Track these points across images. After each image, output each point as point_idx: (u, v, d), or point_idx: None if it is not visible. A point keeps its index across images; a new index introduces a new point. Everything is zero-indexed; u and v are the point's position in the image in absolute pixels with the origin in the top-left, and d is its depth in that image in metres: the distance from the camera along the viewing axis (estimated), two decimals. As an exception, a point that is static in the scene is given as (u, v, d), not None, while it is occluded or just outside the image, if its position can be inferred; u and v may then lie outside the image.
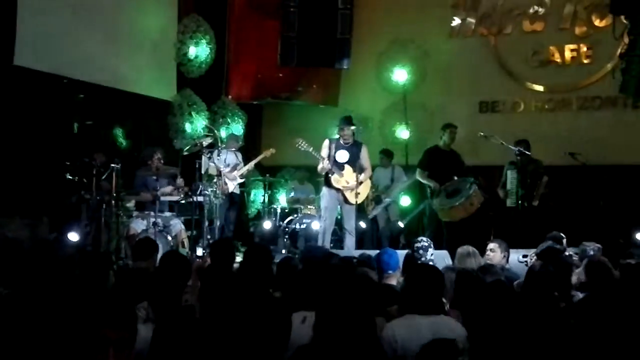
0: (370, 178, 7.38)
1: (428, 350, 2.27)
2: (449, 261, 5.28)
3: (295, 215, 8.46)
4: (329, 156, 6.88)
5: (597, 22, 8.78)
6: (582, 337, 2.42)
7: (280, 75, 9.55)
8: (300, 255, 5.97)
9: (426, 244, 4.91)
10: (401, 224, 8.39)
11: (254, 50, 9.61)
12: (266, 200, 8.94)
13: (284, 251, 8.04)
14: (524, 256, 5.24)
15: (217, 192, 7.25)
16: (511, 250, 5.25)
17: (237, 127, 9.31)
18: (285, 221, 8.43)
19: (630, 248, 5.95)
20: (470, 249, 4.77)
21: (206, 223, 7.14)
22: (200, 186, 7.22)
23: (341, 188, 6.90)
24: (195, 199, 7.08)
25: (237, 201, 8.42)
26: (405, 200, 8.55)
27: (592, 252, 4.94)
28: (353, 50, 8.80)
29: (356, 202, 6.94)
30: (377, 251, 4.99)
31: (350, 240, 6.99)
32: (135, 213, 7.07)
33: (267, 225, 8.45)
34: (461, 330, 2.92)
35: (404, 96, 9.24)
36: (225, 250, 4.40)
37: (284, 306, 2.34)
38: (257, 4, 9.78)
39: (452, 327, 2.94)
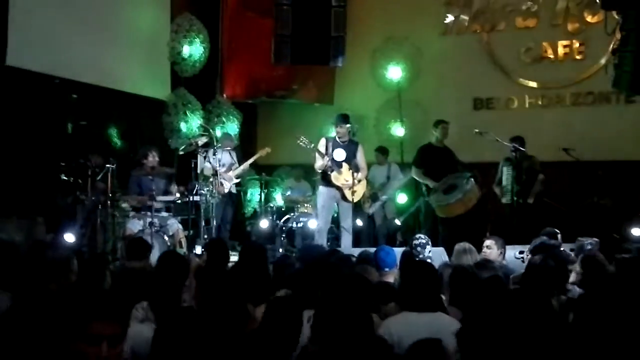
0: (366, 177, 7.39)
1: (414, 352, 2.29)
2: (445, 258, 5.31)
3: (292, 214, 8.46)
4: (326, 154, 6.90)
5: (589, 18, 8.83)
6: (579, 332, 2.44)
7: (275, 73, 9.55)
8: (298, 253, 5.99)
9: (424, 241, 4.94)
10: (398, 222, 8.41)
11: (248, 48, 9.60)
12: (263, 199, 8.94)
13: (281, 250, 8.04)
14: (521, 252, 5.27)
15: (214, 191, 7.24)
16: (507, 247, 5.28)
17: (232, 126, 9.30)
18: (282, 220, 8.43)
19: (624, 243, 5.99)
20: (467, 245, 4.80)
21: (203, 223, 7.13)
22: (197, 186, 7.21)
23: (341, 185, 6.91)
24: (191, 198, 7.07)
25: (233, 200, 8.42)
26: (402, 198, 8.58)
27: (589, 247, 4.97)
28: (347, 48, 8.80)
29: (353, 200, 6.97)
30: (374, 249, 5.02)
31: (347, 239, 7.00)
32: (131, 213, 7.05)
33: (264, 224, 8.44)
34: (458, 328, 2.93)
35: (398, 93, 9.26)
36: (219, 249, 4.41)
37: (294, 305, 2.33)
38: (250, 3, 9.76)
39: (448, 325, 2.95)
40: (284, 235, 8.29)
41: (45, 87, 7.38)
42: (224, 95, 9.59)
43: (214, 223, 7.29)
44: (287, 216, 8.47)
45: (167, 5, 9.13)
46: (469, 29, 9.54)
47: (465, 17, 9.54)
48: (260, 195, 8.97)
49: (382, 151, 8.84)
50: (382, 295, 3.58)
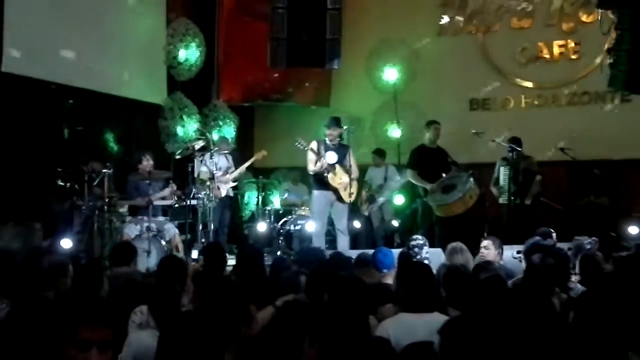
0: (363, 179, 7.41)
1: (406, 355, 2.29)
2: (443, 259, 5.30)
3: (290, 217, 8.46)
4: (319, 156, 6.91)
5: (584, 18, 8.85)
6: (579, 331, 2.43)
7: (271, 76, 9.55)
8: (296, 256, 5.98)
9: (421, 242, 4.94)
10: (395, 223, 8.41)
11: (244, 52, 9.60)
12: (260, 202, 8.94)
13: (279, 253, 8.03)
14: (518, 252, 5.26)
15: (211, 195, 7.23)
16: (505, 247, 5.28)
17: (229, 130, 9.29)
18: (280, 223, 8.42)
19: (622, 241, 6.00)
20: (459, 245, 4.81)
21: (200, 227, 7.12)
22: (194, 190, 7.20)
23: (337, 186, 6.93)
24: (188, 202, 7.07)
25: (230, 204, 8.41)
26: (399, 199, 8.58)
27: (589, 246, 4.97)
28: (343, 51, 8.81)
29: (350, 201, 6.99)
30: (372, 250, 5.02)
31: (343, 241, 7.01)
32: (128, 218, 7.05)
33: (261, 227, 8.44)
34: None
35: (394, 95, 9.27)
36: (216, 254, 4.41)
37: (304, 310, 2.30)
38: (245, 6, 9.77)
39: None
40: (281, 238, 8.28)
41: (41, 93, 7.38)
42: (221, 99, 9.59)
43: (211, 227, 7.28)
44: (285, 219, 8.46)
45: (162, 10, 9.13)
46: (464, 30, 9.56)
47: (461, 18, 9.56)
48: (258, 198, 8.97)
49: (379, 153, 8.85)
50: (380, 297, 3.58)
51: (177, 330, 2.26)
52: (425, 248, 4.96)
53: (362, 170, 8.77)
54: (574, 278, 4.11)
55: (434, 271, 3.64)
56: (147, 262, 6.31)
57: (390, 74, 9.33)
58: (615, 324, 2.33)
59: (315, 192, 7.07)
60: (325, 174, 6.87)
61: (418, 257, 4.81)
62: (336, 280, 3.36)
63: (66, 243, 6.14)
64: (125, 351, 3.00)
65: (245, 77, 9.85)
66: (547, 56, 9.07)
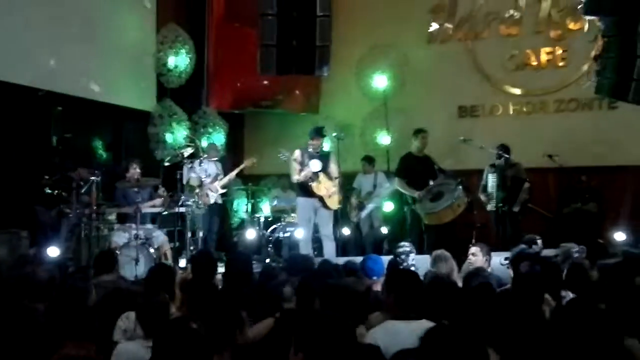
0: (343, 185, 7.42)
1: None
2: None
3: (279, 224, 8.44)
4: (303, 165, 6.94)
5: (571, 26, 8.93)
6: (566, 337, 2.44)
7: (261, 83, 9.55)
8: (285, 264, 5.97)
9: (408, 249, 4.95)
10: (384, 230, 8.42)
11: (234, 59, 9.59)
12: (249, 209, 8.92)
13: (267, 260, 8.01)
14: (506, 259, 5.28)
15: (199, 202, 7.20)
16: (493, 254, 5.29)
17: (219, 137, 9.28)
18: (269, 230, 8.40)
19: (609, 248, 6.03)
20: (443, 253, 4.81)
21: (189, 234, 7.09)
22: (182, 197, 7.17)
23: (323, 195, 6.96)
24: (177, 210, 7.03)
25: (219, 211, 8.39)
26: (388, 206, 8.59)
27: (576, 254, 4.99)
28: (332, 58, 8.82)
29: (339, 207, 7.04)
30: (362, 257, 5.01)
31: (329, 247, 7.01)
32: (116, 226, 7.00)
33: (250, 234, 8.41)
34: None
35: (384, 102, 9.30)
36: (206, 262, 4.39)
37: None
38: (235, 13, 9.77)
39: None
40: (270, 246, 8.26)
41: (29, 100, 7.33)
42: (210, 106, 9.58)
43: (200, 234, 7.26)
44: (274, 226, 8.45)
45: (152, 17, 9.12)
46: (453, 37, 9.61)
47: (450, 26, 9.62)
48: (247, 205, 8.95)
49: (369, 160, 8.87)
50: (369, 305, 3.57)
51: (172, 336, 2.25)
52: (412, 255, 4.97)
53: (351, 177, 8.80)
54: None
55: (421, 277, 3.64)
56: (136, 270, 6.28)
57: (380, 81, 9.37)
58: (601, 331, 2.33)
59: (300, 200, 7.11)
60: (310, 183, 6.89)
61: (405, 264, 4.82)
62: (327, 288, 3.36)
63: (53, 251, 6.08)
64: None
65: (235, 84, 9.84)
66: (535, 63, 9.13)
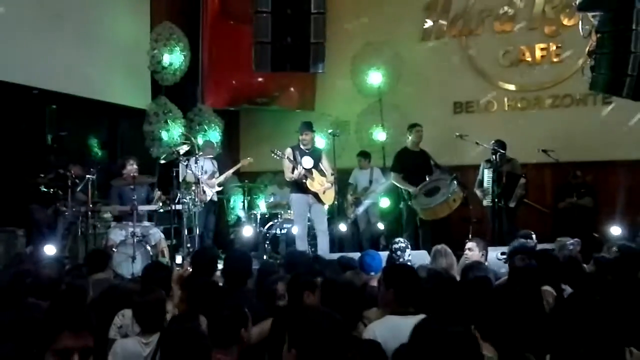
0: (337, 181, 7.44)
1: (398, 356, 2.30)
2: (427, 261, 5.32)
3: (276, 221, 8.45)
4: (295, 163, 6.96)
5: (565, 21, 8.96)
6: (565, 330, 2.45)
7: (256, 80, 9.54)
8: (282, 260, 5.98)
9: (403, 245, 4.96)
10: (381, 226, 8.44)
11: (229, 56, 9.58)
12: (246, 206, 8.92)
13: (265, 257, 8.02)
14: (502, 254, 5.31)
15: (196, 199, 7.20)
16: (489, 248, 5.32)
17: (214, 134, 9.28)
18: (266, 227, 8.41)
19: (605, 242, 6.06)
20: (443, 248, 4.84)
21: (185, 231, 7.09)
22: (179, 194, 7.16)
23: (317, 191, 6.99)
24: (173, 207, 7.03)
25: (215, 208, 8.39)
26: (385, 202, 8.61)
27: (571, 247, 5.01)
28: (327, 54, 8.82)
29: (334, 203, 7.09)
30: (359, 253, 5.03)
31: (324, 242, 7.03)
32: (113, 223, 6.99)
33: (247, 231, 8.42)
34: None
35: (379, 98, 9.31)
36: (207, 258, 4.39)
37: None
38: (230, 10, 9.75)
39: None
40: (267, 242, 8.26)
41: (23, 99, 7.31)
42: (205, 103, 9.56)
43: (197, 232, 7.24)
44: (271, 223, 8.45)
45: (146, 14, 9.10)
46: (447, 34, 9.63)
47: (444, 22, 9.63)
48: (244, 202, 8.95)
49: (365, 156, 8.88)
50: (367, 300, 3.59)
51: (178, 335, 2.26)
52: (408, 251, 4.99)
53: (347, 173, 8.81)
54: None
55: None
56: (133, 267, 6.28)
57: (375, 78, 9.38)
58: (601, 324, 2.35)
59: (293, 196, 7.14)
60: (304, 180, 6.92)
61: (401, 260, 4.84)
62: (328, 284, 3.37)
63: (50, 249, 6.08)
64: (110, 359, 2.99)
65: (230, 81, 9.83)
66: (530, 59, 9.16)
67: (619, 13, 5.74)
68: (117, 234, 6.67)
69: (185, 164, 7.41)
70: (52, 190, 6.62)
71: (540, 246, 5.44)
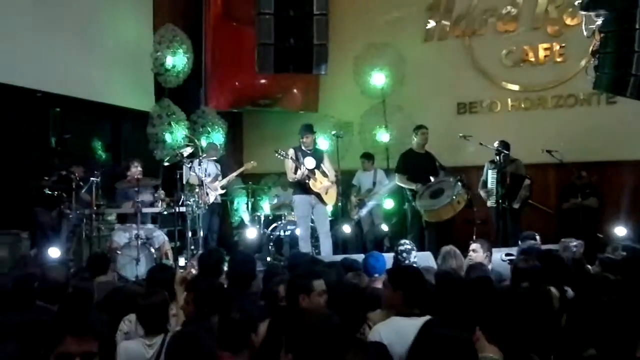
0: (339, 183, 7.44)
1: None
2: (432, 262, 5.32)
3: (279, 222, 8.45)
4: (298, 164, 6.97)
5: (568, 21, 8.94)
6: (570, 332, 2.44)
7: (259, 82, 9.54)
8: (286, 262, 5.97)
9: (409, 247, 4.96)
10: (385, 227, 8.43)
11: (232, 58, 9.58)
12: (250, 208, 8.92)
13: (269, 258, 8.02)
14: (507, 255, 5.30)
15: (199, 202, 7.21)
16: (493, 250, 5.31)
17: (218, 136, 9.28)
18: (270, 228, 8.41)
19: (610, 243, 6.03)
20: (452, 249, 4.83)
21: (189, 234, 7.09)
22: (182, 197, 7.17)
23: (319, 191, 6.99)
24: (177, 209, 7.04)
25: (219, 210, 8.39)
26: (389, 204, 8.60)
27: (575, 249, 5.00)
28: (330, 56, 8.83)
29: (337, 204, 7.07)
30: (363, 255, 5.02)
31: (327, 245, 7.03)
32: (117, 226, 7.00)
33: (251, 233, 8.42)
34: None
35: (382, 99, 9.30)
36: (214, 260, 4.40)
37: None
38: (232, 12, 9.76)
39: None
40: (271, 244, 8.26)
41: (27, 101, 7.33)
42: (209, 105, 9.57)
43: (201, 234, 7.25)
44: (275, 224, 8.45)
45: (149, 17, 9.11)
46: (450, 34, 9.62)
47: (447, 23, 9.62)
48: (247, 204, 8.95)
49: (368, 157, 8.88)
50: (371, 302, 3.58)
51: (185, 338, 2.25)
52: (414, 253, 4.98)
53: (351, 174, 8.81)
54: None
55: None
56: (137, 269, 6.29)
57: (378, 79, 9.37)
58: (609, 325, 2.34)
59: (296, 197, 7.14)
60: (307, 181, 6.92)
61: (407, 261, 4.83)
62: (331, 285, 3.37)
63: (54, 252, 6.09)
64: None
65: (233, 83, 9.83)
66: (533, 59, 9.14)
67: (623, 12, 5.73)
68: (121, 237, 6.68)
69: (189, 166, 7.42)
70: (56, 192, 6.63)
71: (544, 247, 5.42)
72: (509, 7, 9.28)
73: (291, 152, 7.09)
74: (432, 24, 9.67)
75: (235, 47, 9.53)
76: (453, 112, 9.47)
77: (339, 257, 5.44)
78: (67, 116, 7.82)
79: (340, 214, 7.78)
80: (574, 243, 5.13)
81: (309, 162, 7.05)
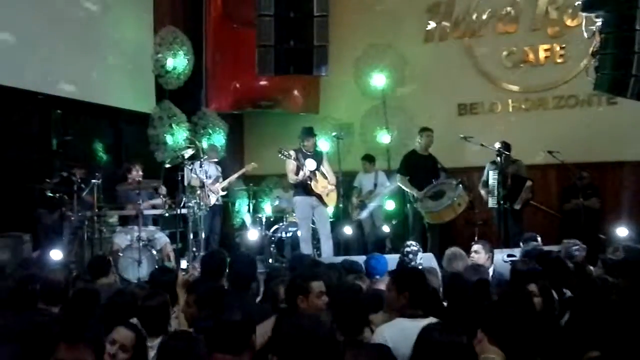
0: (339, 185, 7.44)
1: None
2: (434, 264, 5.33)
3: (281, 224, 8.45)
4: (299, 165, 6.98)
5: (568, 22, 8.95)
6: (570, 333, 2.45)
7: (260, 84, 9.55)
8: (288, 263, 5.98)
9: (415, 249, 4.97)
10: (386, 229, 8.43)
11: (232, 60, 9.59)
12: (251, 209, 8.93)
13: (270, 260, 8.02)
14: (509, 256, 5.30)
15: (201, 203, 7.22)
16: (495, 251, 5.31)
17: (219, 138, 9.29)
18: (271, 230, 8.41)
19: (611, 243, 6.03)
20: (458, 251, 4.83)
21: (191, 235, 7.10)
22: (184, 198, 7.18)
23: (321, 192, 7.01)
24: (179, 211, 7.04)
25: (220, 212, 8.39)
26: (390, 205, 8.60)
27: (576, 253, 5.00)
28: (331, 57, 8.84)
29: (338, 205, 7.08)
30: (364, 257, 5.03)
31: (328, 246, 7.03)
32: (118, 228, 7.01)
33: (252, 234, 8.42)
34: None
35: (383, 101, 9.31)
36: (217, 262, 4.40)
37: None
38: (233, 14, 9.76)
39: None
40: (273, 246, 8.27)
41: (29, 104, 7.33)
42: (209, 107, 9.58)
43: (202, 235, 7.26)
44: (276, 226, 8.45)
45: (150, 19, 9.12)
46: (451, 36, 9.62)
47: (447, 24, 9.63)
48: (249, 205, 8.96)
49: (369, 159, 8.88)
50: (373, 304, 3.58)
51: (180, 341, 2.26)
52: (420, 254, 4.99)
53: (352, 176, 8.81)
54: None
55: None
56: (139, 272, 6.29)
57: (379, 80, 9.38)
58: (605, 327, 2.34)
59: (297, 199, 7.14)
60: (308, 182, 6.93)
61: (413, 263, 4.84)
62: (332, 287, 3.37)
63: (56, 254, 6.09)
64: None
65: (233, 84, 9.84)
66: (533, 60, 9.15)
67: (623, 14, 5.74)
68: (122, 239, 6.69)
69: (190, 167, 7.43)
70: (57, 195, 6.64)
71: (546, 248, 5.42)
72: (509, 8, 9.29)
73: (292, 153, 7.11)
74: (432, 25, 9.68)
75: (235, 48, 9.54)
76: (454, 113, 9.48)
77: (340, 259, 5.44)
78: (68, 118, 7.82)
79: (341, 216, 7.78)
80: (576, 247, 5.12)
81: (310, 164, 7.07)
